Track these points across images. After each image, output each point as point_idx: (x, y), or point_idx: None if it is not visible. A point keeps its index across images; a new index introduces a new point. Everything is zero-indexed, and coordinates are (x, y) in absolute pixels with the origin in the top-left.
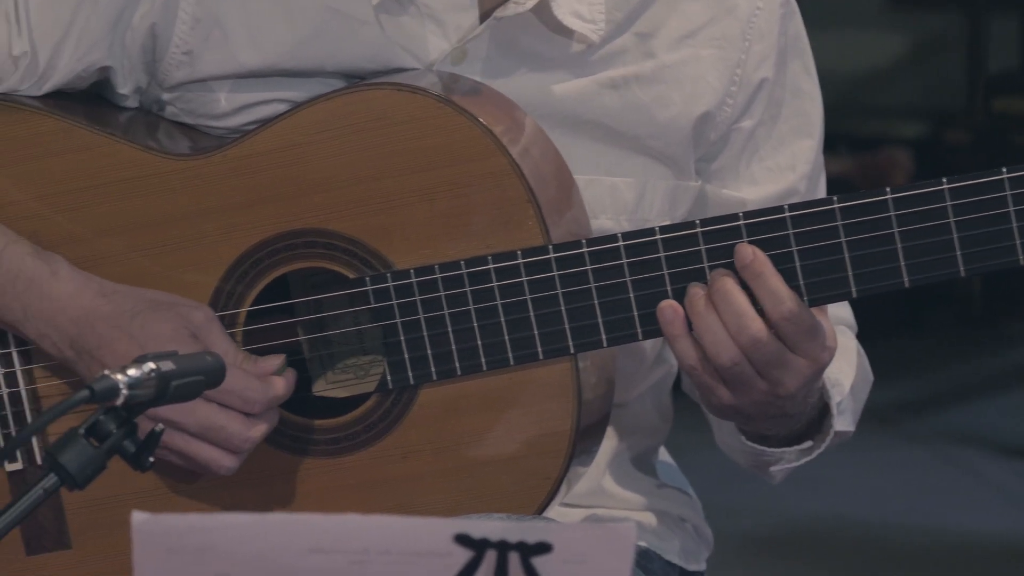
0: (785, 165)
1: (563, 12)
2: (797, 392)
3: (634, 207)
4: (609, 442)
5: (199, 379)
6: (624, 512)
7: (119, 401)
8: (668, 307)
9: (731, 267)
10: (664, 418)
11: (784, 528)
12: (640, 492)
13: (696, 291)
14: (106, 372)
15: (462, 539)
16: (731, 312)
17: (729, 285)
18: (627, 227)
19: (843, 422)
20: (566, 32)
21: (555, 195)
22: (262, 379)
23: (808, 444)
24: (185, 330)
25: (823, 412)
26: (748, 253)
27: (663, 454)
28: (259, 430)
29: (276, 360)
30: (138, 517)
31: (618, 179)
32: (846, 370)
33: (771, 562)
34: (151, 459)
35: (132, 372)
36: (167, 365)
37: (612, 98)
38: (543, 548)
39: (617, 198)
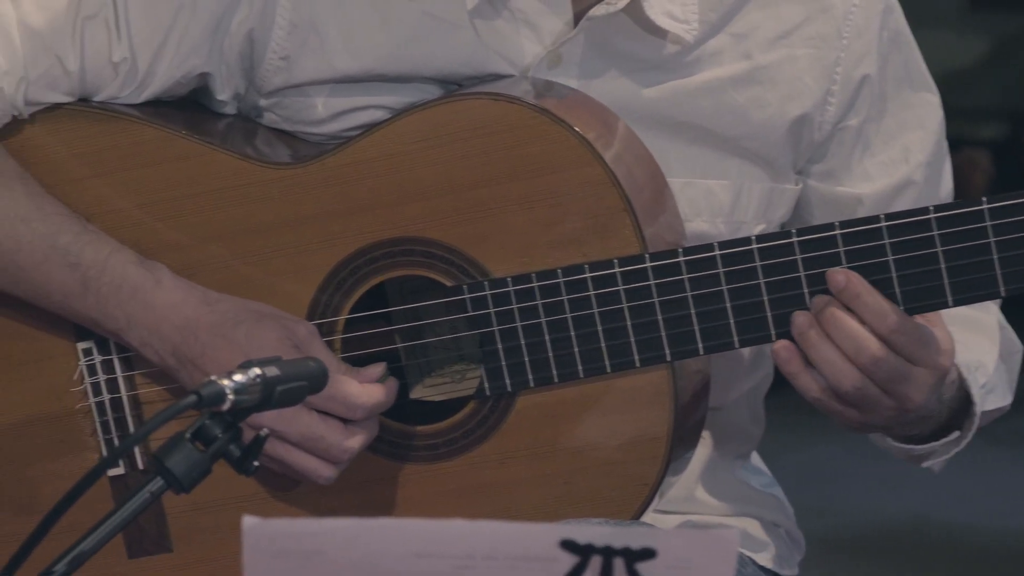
0: (898, 158)
1: (655, 12)
2: (925, 403)
3: (730, 209)
4: (703, 447)
5: (303, 384)
6: (718, 518)
7: (226, 406)
8: (782, 347)
9: (825, 281)
10: (757, 423)
11: (871, 530)
12: (733, 498)
13: (804, 323)
14: (213, 377)
15: (567, 544)
16: (844, 336)
17: (835, 310)
18: (723, 229)
19: (994, 399)
20: (660, 33)
21: (649, 200)
22: (364, 386)
23: (956, 435)
24: (288, 341)
25: (965, 400)
26: (840, 278)
27: (754, 459)
28: (358, 440)
29: (378, 368)
30: (248, 521)
31: (713, 181)
32: (987, 347)
33: (861, 564)
34: (255, 464)
35: (238, 377)
36: (272, 371)
37: (707, 99)
38: (647, 554)
39: (713, 201)
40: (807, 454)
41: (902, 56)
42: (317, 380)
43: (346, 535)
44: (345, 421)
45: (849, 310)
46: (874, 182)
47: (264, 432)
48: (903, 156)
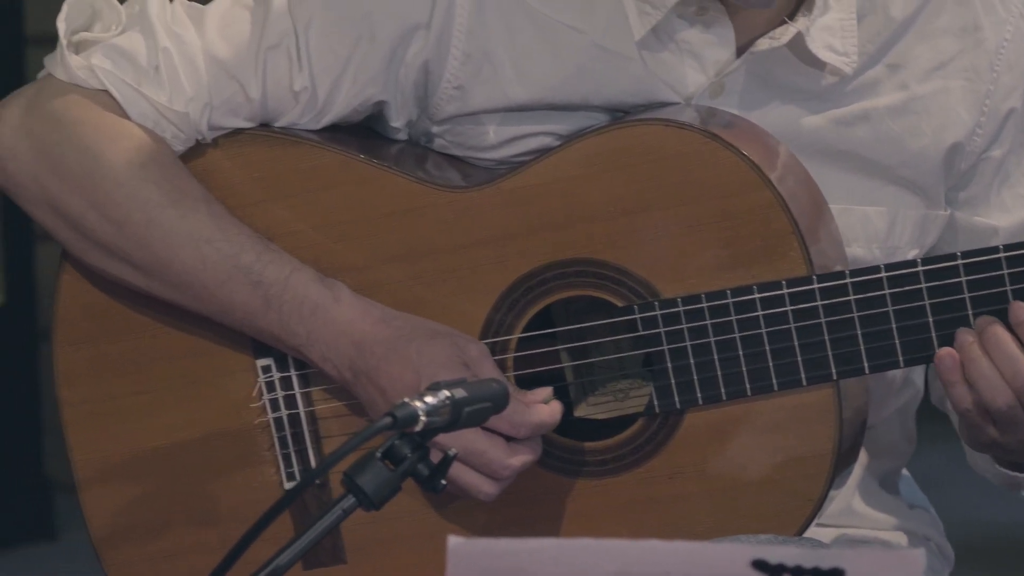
0: None
1: (817, 46)
2: None
3: (885, 235)
4: (858, 463)
5: (487, 406)
6: (873, 532)
7: (418, 427)
8: (947, 355)
9: (990, 301)
10: (909, 439)
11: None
12: (887, 512)
13: (967, 338)
14: (405, 400)
15: (759, 564)
16: (1004, 357)
17: (999, 330)
18: (879, 255)
19: None
20: (819, 65)
21: (813, 223)
22: (530, 406)
23: None
24: (459, 359)
25: None
26: (1021, 313)
27: (905, 474)
28: (520, 459)
29: (545, 391)
30: (453, 541)
31: (870, 208)
32: None
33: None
34: (443, 482)
35: (429, 399)
36: (460, 392)
37: (864, 129)
38: (837, 574)
39: (869, 227)
40: (955, 468)
41: None
42: (500, 401)
43: (548, 554)
44: (509, 439)
45: (1014, 335)
46: (1010, 214)
47: (452, 452)
48: None
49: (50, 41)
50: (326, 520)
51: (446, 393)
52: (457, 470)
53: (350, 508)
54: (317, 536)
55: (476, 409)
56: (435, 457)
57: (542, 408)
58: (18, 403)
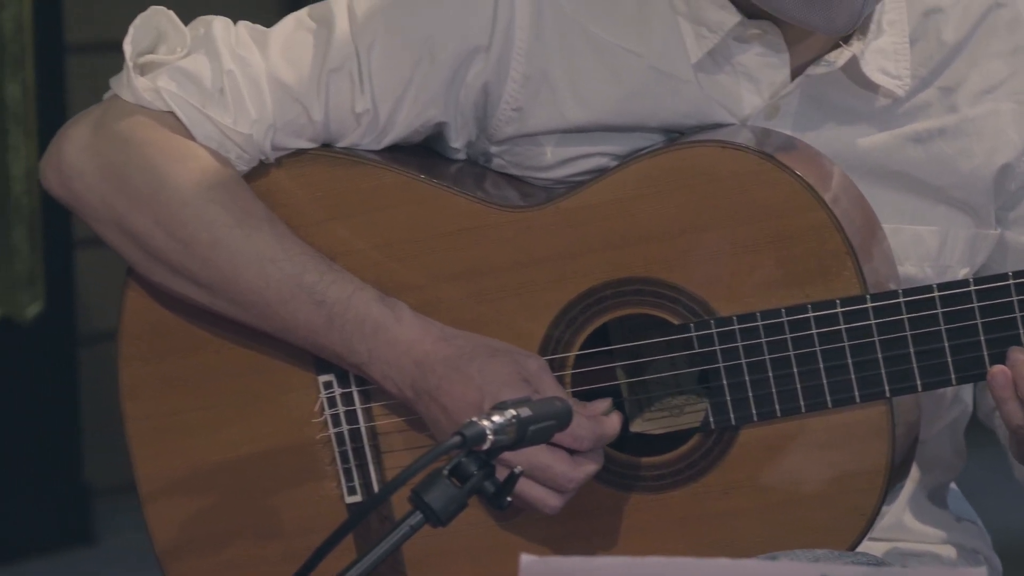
0: None
1: (871, 69)
2: None
3: (937, 254)
4: (909, 477)
5: (552, 423)
6: (923, 546)
7: (485, 446)
8: (1000, 372)
9: None
10: (958, 454)
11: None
12: (937, 526)
13: (1019, 356)
14: (473, 419)
15: None
16: None
17: None
18: (930, 273)
19: None
20: (872, 87)
21: (867, 243)
22: (591, 419)
23: None
24: (519, 375)
25: None
26: None
27: (953, 487)
28: (584, 471)
29: (605, 403)
30: (526, 559)
31: (921, 228)
32: None
33: None
34: (508, 499)
35: (496, 418)
36: (525, 411)
37: (917, 150)
38: None
39: (920, 246)
40: (998, 480)
41: None
42: (564, 419)
43: (620, 571)
44: (571, 452)
45: None
46: None
47: (518, 470)
48: None
49: (90, 49)
50: (394, 536)
51: (512, 412)
52: (522, 485)
53: (417, 525)
54: (385, 552)
55: (541, 427)
56: (500, 474)
57: (603, 420)
58: (58, 409)
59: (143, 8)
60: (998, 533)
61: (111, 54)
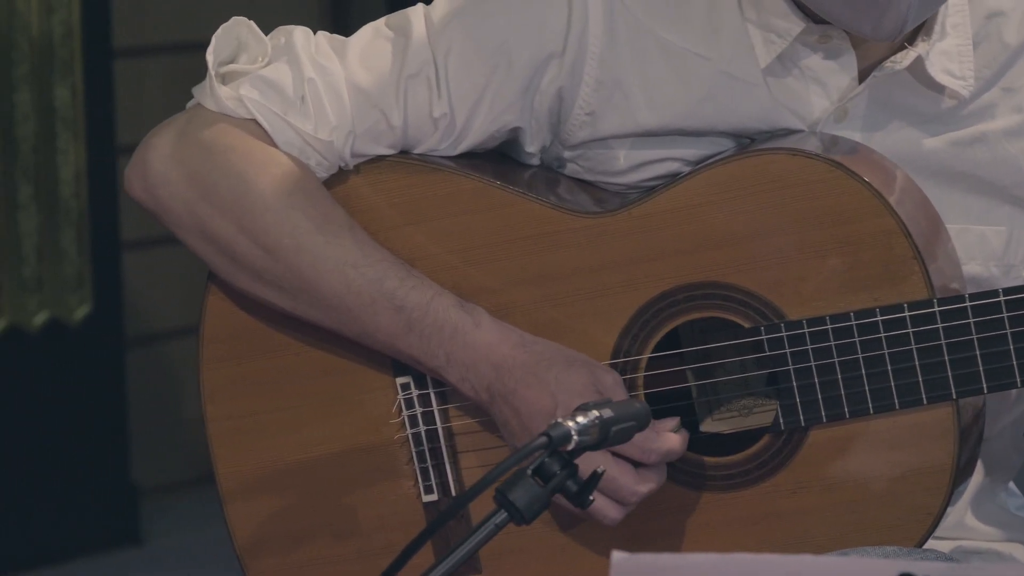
0: None
1: (936, 70)
2: None
3: (1002, 253)
4: (972, 476)
5: (632, 424)
6: (987, 544)
7: (571, 446)
8: None
9: None
10: (1019, 452)
11: None
12: (999, 523)
13: None
14: (559, 420)
15: None
16: None
17: None
18: (996, 273)
19: None
20: (938, 88)
21: (931, 245)
22: (659, 433)
23: None
24: (594, 387)
25: None
26: None
27: (1010, 485)
28: (647, 485)
29: (673, 421)
30: (617, 556)
31: (987, 228)
32: None
33: None
34: (591, 498)
35: (581, 419)
36: (607, 412)
37: (981, 151)
38: None
39: (985, 246)
40: None
41: None
42: (644, 420)
43: (708, 568)
44: (636, 465)
45: None
46: None
47: (601, 470)
48: None
49: (138, 53)
50: (480, 534)
51: (595, 413)
52: None
53: (502, 523)
54: (471, 550)
55: (622, 428)
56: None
57: (671, 436)
58: (105, 410)
59: (188, 13)
60: None
61: (158, 57)
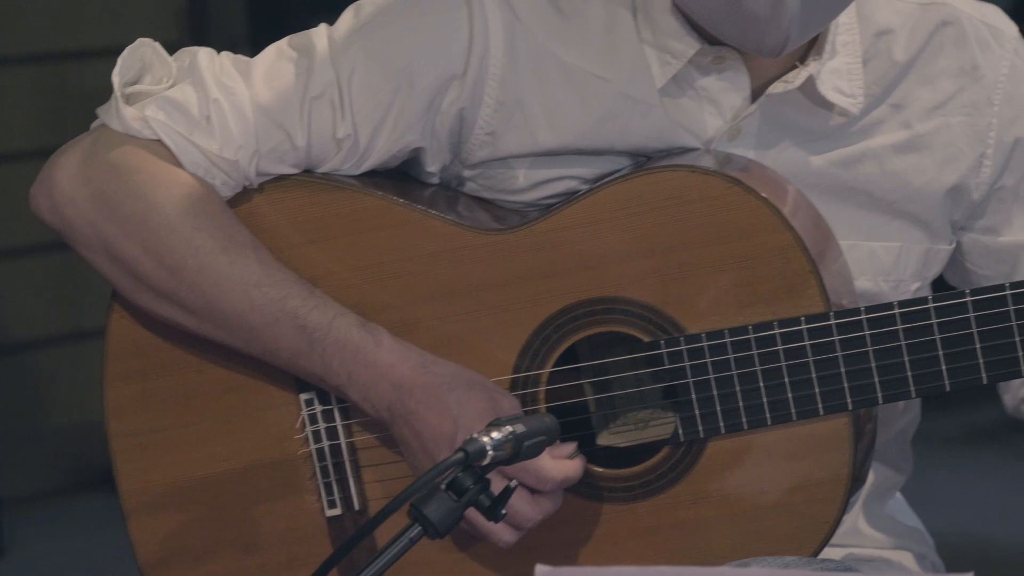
0: None
1: (826, 88)
2: None
3: (891, 269)
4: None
5: (543, 439)
6: (877, 551)
7: (486, 461)
8: None
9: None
10: (907, 461)
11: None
12: (888, 531)
13: None
14: (474, 435)
15: None
16: None
17: None
18: (885, 288)
19: None
20: (828, 106)
21: (824, 259)
22: (556, 461)
23: None
24: (493, 411)
25: None
26: None
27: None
28: (542, 510)
29: (570, 447)
30: (541, 570)
31: (877, 243)
32: None
33: None
34: (503, 512)
35: (495, 435)
36: (520, 427)
37: (871, 166)
38: None
39: (876, 261)
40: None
41: None
42: (554, 434)
43: None
44: (532, 491)
45: None
46: None
47: (514, 484)
48: None
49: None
50: (394, 549)
51: (509, 428)
52: (479, 517)
53: (416, 537)
54: (387, 563)
55: (534, 442)
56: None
57: (567, 463)
58: None
59: (51, 24)
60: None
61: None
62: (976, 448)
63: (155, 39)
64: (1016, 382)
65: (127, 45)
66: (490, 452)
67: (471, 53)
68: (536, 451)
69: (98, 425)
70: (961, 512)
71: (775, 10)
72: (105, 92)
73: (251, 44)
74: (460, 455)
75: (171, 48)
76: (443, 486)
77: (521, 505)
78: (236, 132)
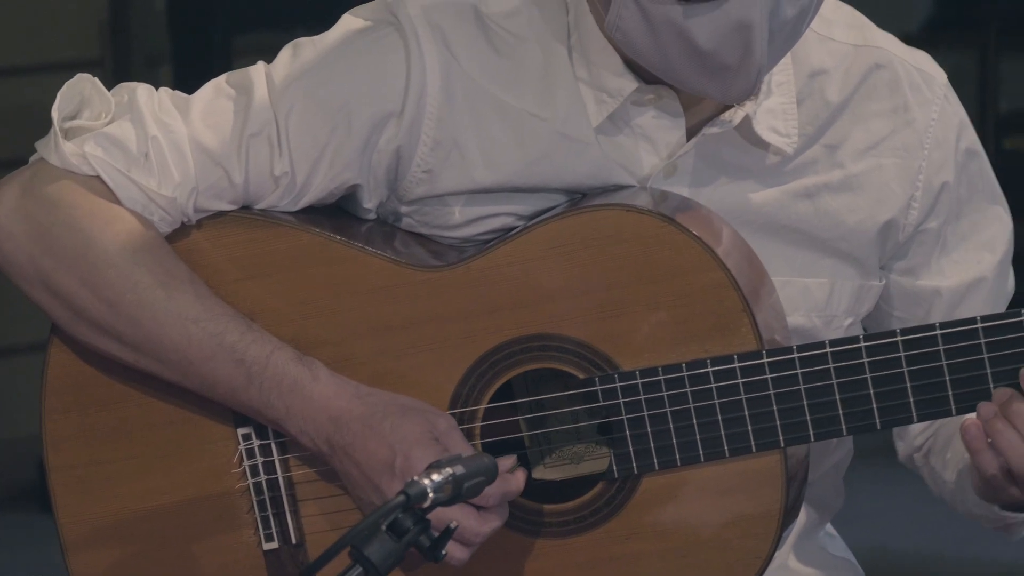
0: (971, 258)
1: (762, 127)
2: None
3: (824, 305)
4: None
5: (482, 479)
6: None
7: (426, 504)
8: (973, 425)
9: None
10: (838, 495)
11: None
12: (819, 565)
13: (990, 409)
14: (415, 478)
15: None
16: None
17: (1020, 405)
18: (818, 324)
19: None
20: (763, 145)
21: (757, 297)
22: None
23: None
24: (430, 434)
25: None
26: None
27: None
28: (489, 526)
29: (510, 460)
30: None
31: (810, 280)
32: None
33: None
34: (443, 552)
35: (435, 477)
36: (459, 469)
37: (805, 205)
38: None
39: (809, 297)
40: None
41: (976, 166)
42: (492, 474)
43: None
44: (478, 507)
45: None
46: (950, 278)
47: (454, 525)
48: (976, 257)
49: None
50: None
51: (449, 470)
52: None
53: None
54: None
55: (474, 483)
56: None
57: (508, 477)
58: None
59: None
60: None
61: None
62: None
63: (77, 55)
64: (914, 429)
65: (48, 62)
66: (430, 495)
67: (408, 92)
68: (476, 491)
69: (26, 441)
70: (878, 526)
71: (744, 59)
72: (27, 108)
73: (172, 60)
74: (401, 498)
75: (93, 66)
76: (383, 527)
77: (469, 522)
78: (174, 169)
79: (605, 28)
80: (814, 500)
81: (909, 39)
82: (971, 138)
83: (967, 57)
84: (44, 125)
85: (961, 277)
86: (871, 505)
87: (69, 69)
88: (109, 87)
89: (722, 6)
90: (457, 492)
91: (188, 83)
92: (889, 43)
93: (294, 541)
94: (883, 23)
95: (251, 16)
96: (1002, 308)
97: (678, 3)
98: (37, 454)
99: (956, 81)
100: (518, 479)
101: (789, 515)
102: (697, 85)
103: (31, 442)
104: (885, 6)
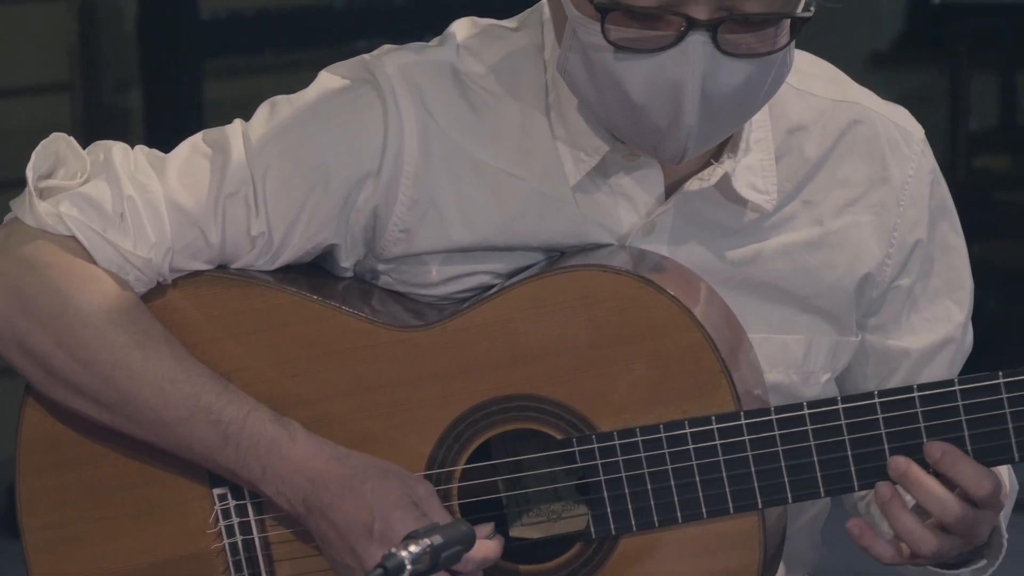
0: (941, 316)
1: (741, 185)
2: (985, 534)
3: (802, 361)
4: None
5: (460, 548)
6: None
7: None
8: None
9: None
10: (815, 548)
11: None
12: None
13: (902, 462)
14: (392, 550)
15: None
16: (930, 498)
17: (918, 474)
18: (796, 380)
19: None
20: (742, 202)
21: (734, 355)
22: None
23: (983, 563)
24: (409, 498)
25: (994, 530)
26: (936, 452)
27: None
28: None
29: (488, 527)
30: None
31: (788, 336)
32: (1005, 477)
33: None
34: None
35: (413, 548)
36: (437, 539)
37: (783, 262)
38: None
39: (787, 354)
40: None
41: (947, 221)
42: (470, 543)
43: None
44: (453, 573)
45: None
46: (919, 336)
47: None
48: (946, 315)
49: None
50: None
51: (427, 541)
52: None
53: None
54: None
55: (451, 553)
56: None
57: (486, 543)
58: None
59: None
60: None
61: None
62: None
63: (46, 79)
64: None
65: (18, 85)
66: (408, 567)
67: (385, 151)
68: (453, 560)
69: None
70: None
71: (673, 122)
72: None
73: (142, 83)
74: (379, 571)
75: (62, 89)
76: None
77: None
78: (150, 229)
79: (556, 69)
80: (791, 554)
81: (880, 57)
82: (943, 193)
83: (938, 75)
84: (14, 148)
85: (931, 337)
86: (847, 559)
87: (38, 93)
88: (79, 110)
89: (655, 57)
90: (435, 562)
91: (157, 106)
92: (867, 99)
93: None
94: (855, 41)
95: (221, 39)
96: (962, 362)
97: (612, 51)
98: (9, 478)
99: (926, 99)
100: (494, 546)
101: (766, 573)
102: (635, 140)
103: (4, 466)
104: (856, 24)
